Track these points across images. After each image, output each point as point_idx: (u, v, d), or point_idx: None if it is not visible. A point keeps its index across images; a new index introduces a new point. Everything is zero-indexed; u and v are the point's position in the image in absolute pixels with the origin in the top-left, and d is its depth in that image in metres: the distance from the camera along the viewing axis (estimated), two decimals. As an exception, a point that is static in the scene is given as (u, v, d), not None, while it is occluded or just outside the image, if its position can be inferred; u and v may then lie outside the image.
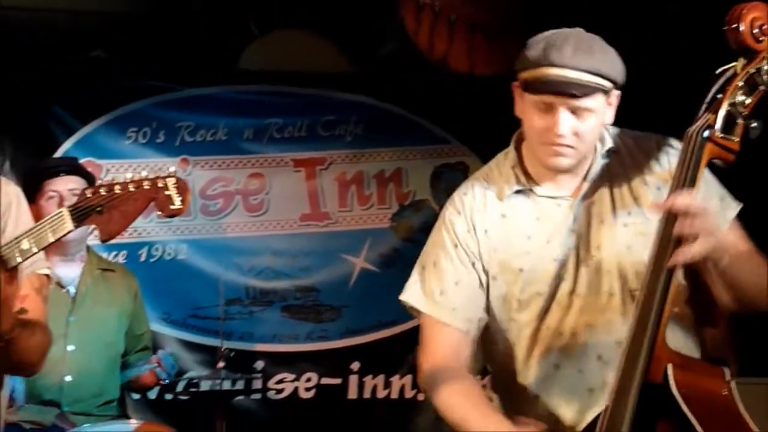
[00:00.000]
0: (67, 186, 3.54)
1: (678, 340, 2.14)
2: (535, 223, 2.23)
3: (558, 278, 2.18)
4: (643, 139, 2.28)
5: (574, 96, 2.07)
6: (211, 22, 4.69)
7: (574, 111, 2.08)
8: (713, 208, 2.12)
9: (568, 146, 2.11)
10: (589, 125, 2.11)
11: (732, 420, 1.91)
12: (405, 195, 4.95)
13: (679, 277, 2.06)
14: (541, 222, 2.24)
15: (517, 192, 2.23)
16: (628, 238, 2.12)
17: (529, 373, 2.21)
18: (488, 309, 2.23)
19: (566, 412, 2.14)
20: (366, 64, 4.98)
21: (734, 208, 2.19)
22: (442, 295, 2.24)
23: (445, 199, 4.66)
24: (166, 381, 3.91)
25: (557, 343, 2.22)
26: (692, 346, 2.22)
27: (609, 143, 2.24)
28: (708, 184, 2.14)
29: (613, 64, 2.12)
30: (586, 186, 2.22)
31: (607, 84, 2.11)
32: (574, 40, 2.10)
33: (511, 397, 2.26)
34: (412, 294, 2.26)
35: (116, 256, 4.48)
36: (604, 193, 2.22)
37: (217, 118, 4.79)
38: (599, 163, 2.22)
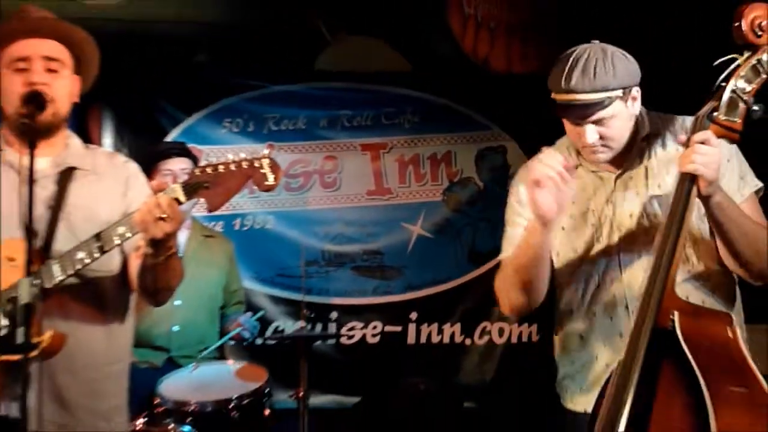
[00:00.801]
0: (179, 166, 3.95)
1: (702, 295, 2.38)
2: (580, 193, 2.49)
3: (592, 240, 2.45)
4: (671, 121, 2.49)
5: (589, 114, 2.32)
6: (292, 31, 5.11)
7: (596, 122, 2.32)
8: (731, 172, 2.35)
9: (601, 148, 2.38)
10: (613, 128, 2.36)
11: (735, 362, 2.10)
12: (454, 173, 5.33)
13: (698, 227, 2.34)
14: (584, 191, 2.50)
15: (574, 167, 2.49)
16: (656, 207, 2.35)
17: (573, 318, 2.50)
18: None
19: (603, 352, 2.40)
20: (421, 65, 5.39)
21: (752, 186, 2.41)
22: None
23: (488, 176, 4.58)
24: (249, 340, 4.38)
25: (593, 294, 2.48)
26: (714, 302, 2.39)
27: (646, 129, 2.46)
28: (732, 163, 2.38)
29: (621, 73, 2.34)
30: (625, 165, 2.46)
31: (617, 93, 2.32)
32: (582, 64, 2.33)
33: (565, 334, 2.53)
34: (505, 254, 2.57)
35: (215, 225, 4.89)
36: (640, 170, 2.44)
37: (297, 110, 5.23)
38: (638, 146, 2.46)
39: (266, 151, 2.28)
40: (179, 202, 2.29)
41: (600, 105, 2.29)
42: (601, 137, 2.35)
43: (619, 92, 2.31)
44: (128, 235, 2.40)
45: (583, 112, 2.33)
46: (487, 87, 5.22)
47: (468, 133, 5.38)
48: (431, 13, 5.05)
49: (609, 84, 2.27)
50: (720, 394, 2.06)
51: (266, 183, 2.28)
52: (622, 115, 2.35)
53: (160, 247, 2.35)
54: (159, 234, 2.28)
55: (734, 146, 2.31)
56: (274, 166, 2.28)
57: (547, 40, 5.13)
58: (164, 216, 2.26)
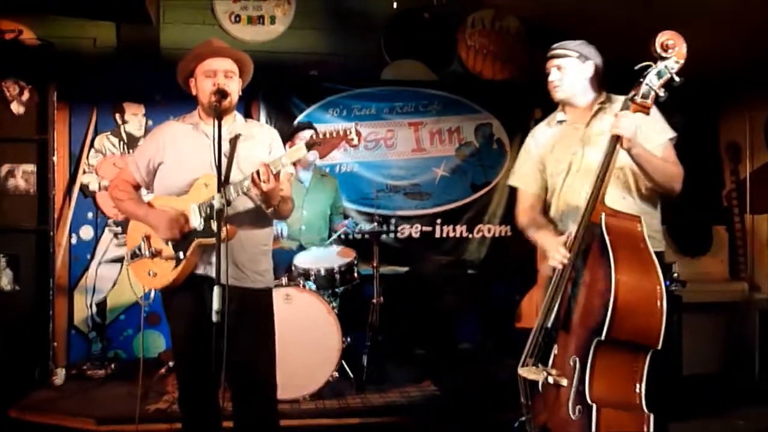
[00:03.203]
0: (306, 134, 4.82)
1: (630, 203, 2.88)
2: (564, 139, 3.03)
3: (568, 168, 3.00)
4: (617, 98, 2.95)
5: (555, 58, 2.97)
6: (367, 56, 6.40)
7: (558, 67, 2.98)
8: (651, 129, 2.78)
9: (557, 86, 3.00)
10: (565, 75, 2.96)
11: (637, 245, 2.59)
12: (461, 139, 6.55)
13: (631, 164, 2.79)
14: (567, 137, 3.03)
15: (559, 122, 3.11)
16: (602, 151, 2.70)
17: (554, 212, 3.07)
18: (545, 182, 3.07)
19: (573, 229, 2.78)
20: (442, 75, 6.57)
21: (666, 135, 2.87)
22: (523, 176, 3.17)
23: (481, 140, 6.38)
24: (349, 234, 5.55)
25: (566, 200, 3.02)
26: (646, 207, 2.89)
27: (602, 99, 2.99)
28: (653, 123, 2.81)
29: (580, 48, 2.94)
30: (590, 121, 2.97)
31: (574, 54, 2.92)
32: (568, 41, 2.98)
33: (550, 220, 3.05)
34: (512, 179, 3.21)
35: (326, 169, 5.87)
36: (599, 125, 2.93)
37: (370, 103, 6.35)
38: (595, 108, 2.97)
39: (352, 126, 2.81)
40: (272, 174, 2.82)
41: (559, 56, 2.95)
42: (558, 79, 2.96)
43: (576, 54, 2.92)
44: (247, 186, 2.90)
45: (552, 57, 2.98)
46: (480, 88, 6.51)
47: (470, 115, 6.53)
48: (448, 47, 6.53)
49: (568, 47, 2.95)
50: (620, 259, 2.53)
51: (353, 143, 2.82)
52: (575, 70, 2.92)
53: (268, 198, 2.90)
54: (265, 189, 2.84)
55: (655, 109, 2.70)
56: (358, 133, 2.78)
57: (516, 60, 6.52)
58: (265, 180, 2.82)
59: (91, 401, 4.55)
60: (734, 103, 6.22)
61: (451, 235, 6.55)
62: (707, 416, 4.35)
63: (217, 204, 2.70)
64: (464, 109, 6.50)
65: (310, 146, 2.79)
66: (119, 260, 5.97)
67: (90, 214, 6.07)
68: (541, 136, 3.14)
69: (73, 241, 5.95)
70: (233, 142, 2.97)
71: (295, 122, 5.70)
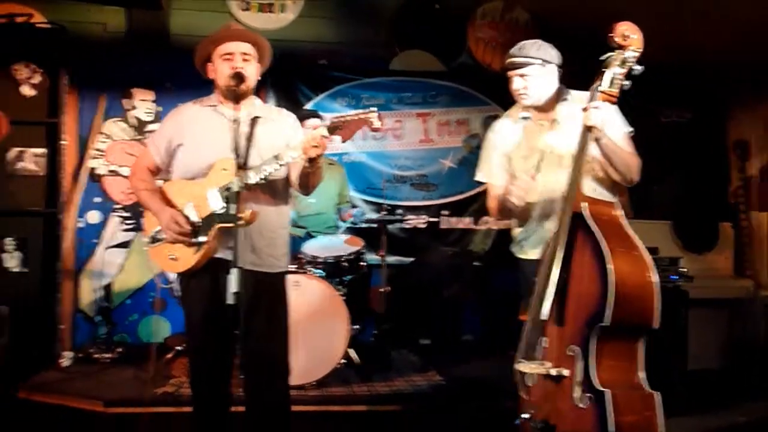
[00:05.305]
0: (312, 123, 4.81)
1: (600, 193, 2.96)
2: (529, 134, 3.12)
3: (540, 161, 3.09)
4: (580, 94, 2.99)
5: (517, 67, 2.99)
6: (376, 46, 6.43)
7: (521, 75, 3.01)
8: (611, 123, 2.80)
9: (523, 94, 3.03)
10: (531, 82, 2.98)
11: (620, 231, 2.66)
12: (468, 131, 6.53)
13: (598, 155, 2.84)
14: (532, 133, 3.11)
15: (523, 118, 3.17)
16: (573, 140, 2.75)
17: (531, 200, 3.05)
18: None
19: (547, 223, 2.97)
20: (452, 66, 6.57)
21: (625, 128, 2.96)
22: (491, 171, 3.21)
23: None
24: (357, 224, 5.47)
25: (540, 193, 3.09)
26: (610, 197, 2.96)
27: (566, 95, 3.07)
28: (615, 116, 2.90)
29: (542, 53, 2.95)
30: (555, 116, 3.05)
31: (537, 62, 2.94)
32: (521, 45, 2.98)
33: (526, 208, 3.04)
34: (479, 175, 3.27)
35: (333, 158, 5.85)
36: (565, 120, 3.02)
37: (379, 93, 6.40)
38: (560, 104, 3.06)
39: (374, 109, 2.84)
40: (325, 137, 2.80)
41: (523, 65, 2.95)
42: (523, 87, 3.00)
43: (539, 62, 2.95)
44: (294, 155, 2.90)
45: (513, 67, 2.99)
46: (489, 80, 6.36)
47: (477, 107, 6.52)
48: (458, 38, 6.50)
49: (530, 54, 2.97)
50: (613, 250, 2.53)
51: (374, 125, 2.81)
52: (538, 76, 2.95)
53: (313, 162, 2.89)
54: (313, 154, 2.83)
55: (615, 105, 2.74)
56: (379, 117, 2.82)
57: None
58: (316, 144, 2.80)
59: (99, 384, 4.61)
60: (742, 101, 6.22)
61: (457, 226, 6.57)
62: (711, 411, 4.37)
63: (235, 187, 2.76)
64: (472, 100, 6.54)
65: (332, 129, 2.79)
66: (126, 245, 6.06)
67: (97, 199, 6.12)
68: (505, 131, 3.20)
69: (81, 224, 5.99)
70: (252, 124, 2.98)
71: (302, 111, 5.65)
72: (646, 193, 6.05)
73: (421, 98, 6.48)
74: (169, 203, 3.08)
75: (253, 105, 3.15)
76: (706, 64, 5.55)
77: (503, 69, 3.04)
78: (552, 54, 2.97)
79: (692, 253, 5.62)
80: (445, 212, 6.48)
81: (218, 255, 3.01)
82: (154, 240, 3.14)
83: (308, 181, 3.01)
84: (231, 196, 2.85)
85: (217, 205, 2.96)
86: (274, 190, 3.10)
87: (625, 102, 2.83)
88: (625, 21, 2.57)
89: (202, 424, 3.14)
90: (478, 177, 3.27)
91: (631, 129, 2.94)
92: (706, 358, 5.12)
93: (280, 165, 2.89)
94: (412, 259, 6.25)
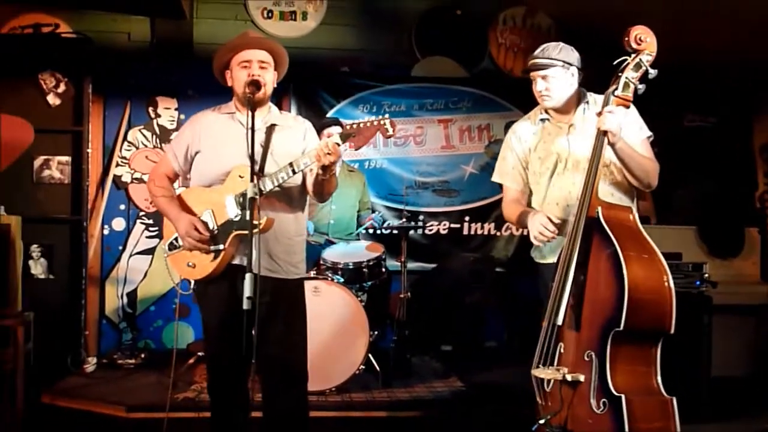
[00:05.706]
0: (335, 130, 4.60)
1: (618, 198, 2.94)
2: (547, 137, 3.08)
3: (556, 165, 3.06)
4: (598, 97, 2.99)
5: (539, 69, 2.96)
6: (397, 53, 6.47)
7: (543, 77, 2.97)
8: (630, 128, 2.81)
9: (545, 96, 3.00)
10: (552, 84, 2.96)
11: (636, 236, 2.65)
12: (491, 136, 6.53)
13: (615, 159, 2.84)
14: (550, 135, 3.08)
15: (542, 120, 3.13)
16: (590, 144, 2.75)
17: (542, 204, 3.08)
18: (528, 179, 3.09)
19: (568, 227, 2.82)
20: (474, 72, 6.60)
21: (644, 133, 2.95)
22: (505, 172, 3.20)
23: None
24: (378, 229, 5.37)
25: (553, 195, 3.07)
26: (627, 202, 2.95)
27: (586, 98, 3.03)
28: (632, 120, 2.89)
29: (563, 55, 2.92)
30: (573, 119, 3.02)
31: (558, 64, 2.91)
32: (543, 47, 2.97)
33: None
34: (495, 176, 3.25)
35: (355, 165, 5.91)
36: (583, 123, 2.99)
37: (400, 99, 6.39)
38: (581, 107, 3.02)
39: (387, 116, 2.81)
40: (338, 144, 2.77)
41: (545, 66, 2.94)
42: (545, 89, 2.98)
43: (560, 64, 2.94)
44: (308, 162, 2.89)
45: (536, 68, 2.98)
46: (511, 85, 6.40)
47: (499, 113, 6.51)
48: (480, 44, 6.57)
49: (552, 56, 2.96)
50: (628, 255, 2.53)
51: (388, 133, 2.79)
52: (560, 78, 2.94)
53: (327, 170, 2.85)
54: (326, 162, 2.79)
55: (633, 108, 2.77)
56: (392, 124, 2.78)
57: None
58: (330, 152, 2.75)
59: (122, 389, 4.65)
60: (768, 104, 6.17)
61: (479, 232, 6.57)
62: (735, 419, 4.33)
63: (250, 193, 2.75)
64: (494, 106, 6.52)
65: (345, 137, 2.78)
66: (150, 252, 6.13)
67: (122, 206, 6.19)
68: (524, 133, 3.17)
69: (106, 232, 6.09)
70: (268, 132, 3.01)
71: (325, 119, 5.72)
72: (671, 198, 6.06)
73: (443, 104, 6.48)
74: (189, 210, 3.09)
75: (270, 112, 3.16)
76: (731, 67, 5.56)
77: (525, 71, 3.05)
78: (574, 57, 2.97)
79: (718, 258, 5.55)
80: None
81: (235, 261, 3.02)
82: (172, 247, 3.17)
83: (323, 189, 3.02)
84: (247, 203, 2.84)
85: (234, 212, 2.97)
86: (291, 198, 3.10)
87: (648, 106, 2.87)
88: (639, 25, 2.59)
89: (220, 429, 3.16)
90: (494, 178, 3.28)
91: (650, 134, 2.93)
92: (731, 365, 5.03)
93: (294, 172, 2.89)
94: (434, 265, 6.27)
